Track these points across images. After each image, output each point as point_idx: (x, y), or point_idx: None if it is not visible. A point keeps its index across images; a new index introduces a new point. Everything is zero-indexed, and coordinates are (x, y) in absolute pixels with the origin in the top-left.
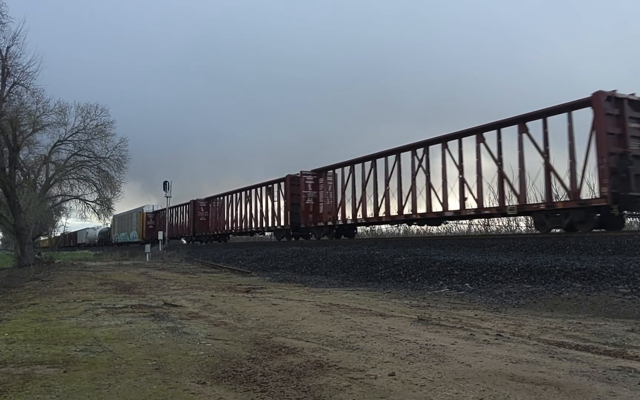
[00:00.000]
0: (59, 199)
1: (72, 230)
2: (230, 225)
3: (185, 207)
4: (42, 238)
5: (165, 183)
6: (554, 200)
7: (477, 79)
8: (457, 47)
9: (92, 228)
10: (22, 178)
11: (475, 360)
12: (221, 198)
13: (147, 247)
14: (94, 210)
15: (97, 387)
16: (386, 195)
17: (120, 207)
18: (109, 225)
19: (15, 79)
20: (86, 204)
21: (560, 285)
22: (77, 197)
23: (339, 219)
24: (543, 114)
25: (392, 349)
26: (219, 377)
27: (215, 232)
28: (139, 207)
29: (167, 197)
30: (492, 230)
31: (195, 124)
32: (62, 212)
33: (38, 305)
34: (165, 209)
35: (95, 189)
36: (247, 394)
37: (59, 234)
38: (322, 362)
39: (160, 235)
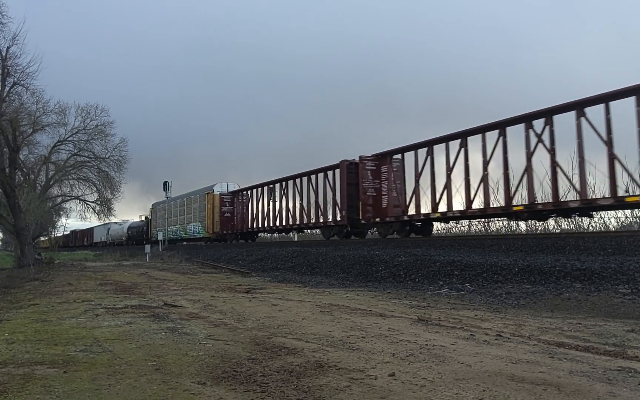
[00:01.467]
0: (59, 200)
1: (85, 227)
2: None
3: (317, 178)
4: (41, 238)
5: (165, 183)
6: None
7: (478, 80)
8: (457, 47)
9: (117, 223)
10: (22, 178)
11: (475, 360)
12: (420, 151)
13: (147, 247)
14: (94, 211)
15: (97, 387)
16: None
17: (121, 208)
18: (143, 218)
19: (15, 79)
20: (86, 204)
21: (560, 286)
22: (77, 198)
23: None
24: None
25: (392, 350)
26: (219, 377)
27: (414, 218)
28: (204, 188)
29: (167, 197)
30: (492, 231)
31: (195, 124)
32: (62, 213)
33: (38, 305)
34: (252, 187)
35: (95, 189)
36: (247, 395)
37: (67, 232)
38: (322, 362)
39: (160, 235)
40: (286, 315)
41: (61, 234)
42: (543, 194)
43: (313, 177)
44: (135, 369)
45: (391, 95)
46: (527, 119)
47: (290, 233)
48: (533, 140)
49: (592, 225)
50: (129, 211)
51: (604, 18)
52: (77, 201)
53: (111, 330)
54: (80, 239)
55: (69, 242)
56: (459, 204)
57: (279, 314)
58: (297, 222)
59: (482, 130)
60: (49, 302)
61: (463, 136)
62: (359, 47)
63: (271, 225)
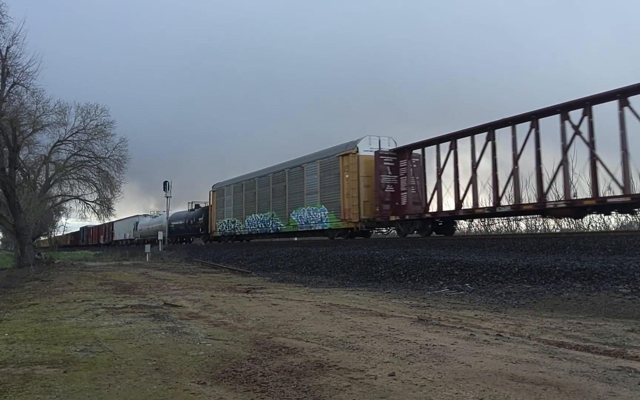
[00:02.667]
0: (59, 199)
1: (101, 223)
2: None
3: None
4: (41, 238)
5: (165, 183)
6: None
7: (479, 80)
8: (458, 48)
9: (149, 215)
10: (22, 178)
11: (475, 360)
12: None
13: (147, 247)
14: (94, 210)
15: (97, 387)
16: None
17: (121, 208)
18: (192, 206)
19: (15, 79)
20: (86, 204)
21: (560, 285)
22: (77, 197)
23: None
24: None
25: (392, 349)
26: (219, 377)
27: None
28: (335, 147)
29: (167, 197)
30: (492, 230)
31: (195, 124)
32: (62, 212)
33: (38, 305)
34: (449, 136)
35: (95, 189)
36: (247, 394)
37: (77, 230)
38: (322, 362)
39: (160, 235)
40: (286, 315)
41: (67, 233)
42: None
43: None
44: (135, 368)
45: (392, 95)
46: None
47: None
48: None
49: (592, 225)
50: (129, 211)
51: (605, 19)
52: (77, 201)
53: (111, 330)
54: (94, 237)
55: (78, 241)
56: None
57: (279, 313)
58: None
59: None
60: (49, 301)
61: None
62: (360, 48)
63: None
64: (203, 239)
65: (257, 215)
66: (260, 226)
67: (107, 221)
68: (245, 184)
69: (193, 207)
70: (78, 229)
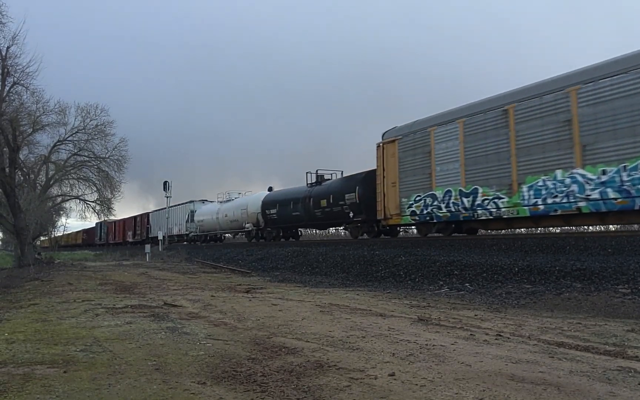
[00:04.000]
0: (59, 199)
1: (128, 215)
2: None
3: None
4: (41, 238)
5: (165, 183)
6: None
7: (480, 77)
8: (459, 47)
9: (215, 202)
10: (22, 178)
11: (475, 360)
12: None
13: (147, 247)
14: (94, 210)
15: (97, 387)
16: None
17: (120, 207)
18: (315, 178)
19: (15, 79)
20: (86, 204)
21: (560, 285)
22: (77, 197)
23: None
24: None
25: (392, 349)
26: (219, 377)
27: None
28: None
29: (167, 197)
30: (491, 231)
31: (195, 124)
32: (62, 212)
33: (38, 305)
34: None
35: (95, 189)
36: (247, 394)
37: (92, 225)
38: (322, 362)
39: (159, 235)
40: (286, 315)
41: (78, 230)
42: None
43: None
44: (135, 368)
45: (392, 95)
46: None
47: None
48: None
49: (592, 226)
50: (128, 211)
51: (606, 18)
52: (77, 201)
53: (111, 330)
54: (117, 234)
55: (93, 239)
56: None
57: (279, 313)
58: None
59: None
60: (49, 301)
61: None
62: (361, 47)
63: None
64: (352, 232)
65: (578, 171)
66: (600, 195)
67: (141, 212)
68: (516, 112)
69: (315, 180)
70: (94, 224)
